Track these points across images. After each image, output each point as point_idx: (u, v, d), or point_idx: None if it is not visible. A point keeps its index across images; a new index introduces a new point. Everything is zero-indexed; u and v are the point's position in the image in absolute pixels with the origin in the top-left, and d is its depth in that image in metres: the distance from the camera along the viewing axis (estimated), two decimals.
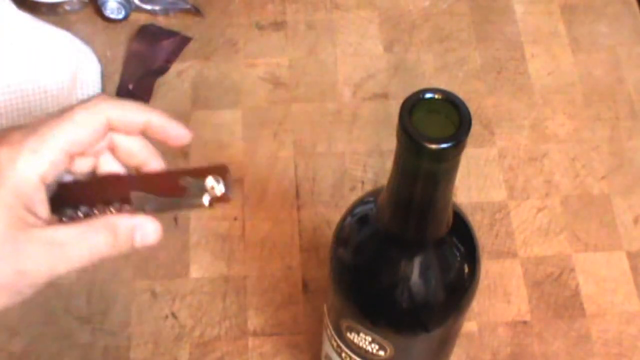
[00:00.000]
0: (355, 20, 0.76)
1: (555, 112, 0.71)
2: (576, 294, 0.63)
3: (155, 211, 0.46)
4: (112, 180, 0.48)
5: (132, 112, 0.46)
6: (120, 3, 0.73)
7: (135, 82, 0.71)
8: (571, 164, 0.69)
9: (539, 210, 0.66)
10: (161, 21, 0.75)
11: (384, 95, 0.72)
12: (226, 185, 0.44)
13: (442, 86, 0.38)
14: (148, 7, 0.74)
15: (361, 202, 0.46)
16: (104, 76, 0.72)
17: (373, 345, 0.46)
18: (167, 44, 0.73)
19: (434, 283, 0.43)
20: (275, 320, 0.61)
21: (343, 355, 0.49)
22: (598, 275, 0.64)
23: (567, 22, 0.76)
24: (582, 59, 0.74)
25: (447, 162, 0.37)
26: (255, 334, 0.61)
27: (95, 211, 0.46)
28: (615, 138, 0.70)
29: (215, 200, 0.44)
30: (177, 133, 0.47)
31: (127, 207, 0.46)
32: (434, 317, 0.45)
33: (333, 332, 0.48)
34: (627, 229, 0.66)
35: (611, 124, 0.71)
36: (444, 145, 0.35)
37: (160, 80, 0.72)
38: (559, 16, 0.77)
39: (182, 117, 0.70)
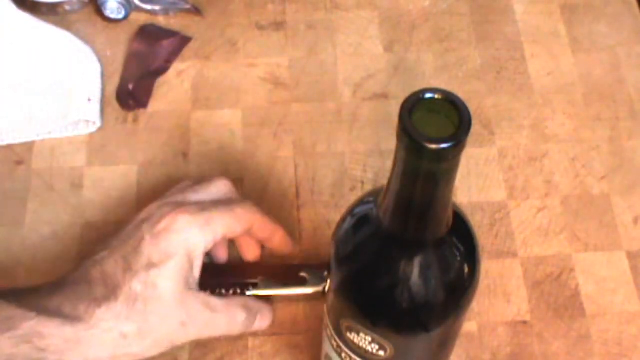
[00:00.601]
0: (355, 20, 0.76)
1: (555, 112, 0.71)
2: (576, 294, 0.63)
3: (275, 295, 0.58)
4: (244, 265, 0.60)
5: (265, 228, 0.57)
6: (120, 3, 0.73)
7: (135, 82, 0.71)
8: (571, 164, 0.69)
9: (539, 210, 0.66)
10: (161, 21, 0.75)
11: (384, 95, 0.72)
12: None
13: (442, 86, 0.38)
14: (148, 7, 0.74)
15: (361, 202, 0.46)
16: (104, 76, 0.72)
17: (373, 345, 0.46)
18: (167, 44, 0.73)
19: (434, 283, 0.43)
20: (275, 320, 0.61)
21: (343, 355, 0.49)
22: (598, 275, 0.64)
23: (567, 22, 0.76)
24: (582, 59, 0.74)
25: (447, 162, 0.37)
26: (255, 334, 0.61)
27: (225, 289, 0.58)
28: (615, 138, 0.70)
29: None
30: (288, 249, 0.60)
31: (252, 288, 0.57)
32: (434, 317, 0.45)
33: (333, 332, 0.48)
34: (627, 229, 0.66)
35: (611, 124, 0.71)
36: (444, 145, 0.35)
37: (160, 80, 0.72)
38: (559, 16, 0.77)
39: (182, 117, 0.70)
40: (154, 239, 0.52)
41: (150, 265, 0.51)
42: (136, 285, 0.51)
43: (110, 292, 0.51)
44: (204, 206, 0.54)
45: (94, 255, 0.53)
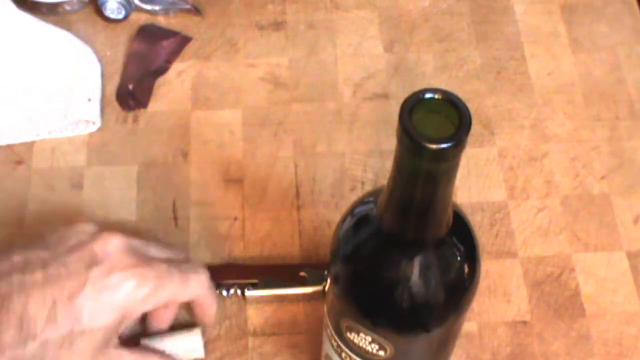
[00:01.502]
0: (355, 20, 0.76)
1: (555, 112, 0.71)
2: (576, 294, 0.63)
3: (275, 295, 0.60)
4: (244, 265, 0.61)
5: (204, 303, 0.55)
6: (120, 3, 0.73)
7: (135, 82, 0.71)
8: (571, 164, 0.69)
9: (539, 210, 0.66)
10: (161, 21, 0.75)
11: (384, 95, 0.72)
12: None
13: (442, 86, 0.38)
14: (148, 7, 0.74)
15: (361, 202, 0.46)
16: (104, 76, 0.72)
17: (373, 345, 0.46)
18: (167, 44, 0.73)
19: (434, 283, 0.43)
20: (275, 320, 0.61)
21: (343, 355, 0.49)
22: (598, 275, 0.64)
23: (567, 22, 0.76)
24: (582, 59, 0.74)
25: (447, 162, 0.37)
26: (255, 334, 0.61)
27: (225, 289, 0.60)
28: (615, 138, 0.70)
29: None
30: (209, 322, 0.58)
31: (251, 288, 0.60)
32: (434, 317, 0.45)
33: (333, 332, 0.48)
34: (627, 229, 0.66)
35: (611, 124, 0.71)
36: (444, 145, 0.35)
37: (160, 80, 0.72)
38: (559, 16, 0.77)
39: (182, 117, 0.70)
40: (97, 292, 0.48)
41: (77, 321, 0.47)
42: (52, 341, 0.46)
43: (22, 340, 0.46)
44: (157, 269, 0.50)
45: (28, 253, 0.49)
